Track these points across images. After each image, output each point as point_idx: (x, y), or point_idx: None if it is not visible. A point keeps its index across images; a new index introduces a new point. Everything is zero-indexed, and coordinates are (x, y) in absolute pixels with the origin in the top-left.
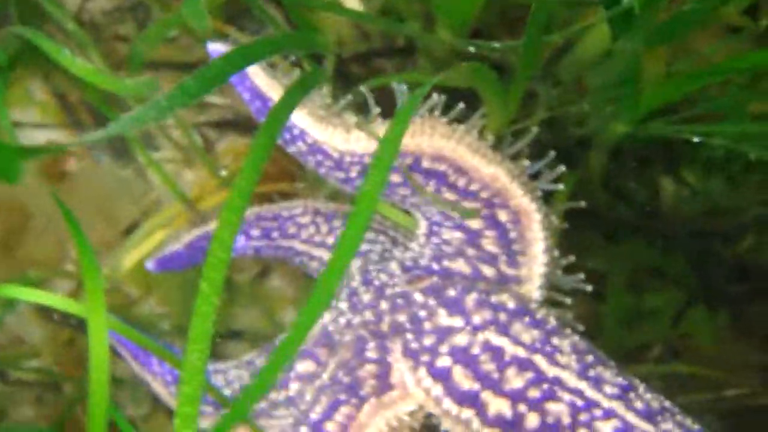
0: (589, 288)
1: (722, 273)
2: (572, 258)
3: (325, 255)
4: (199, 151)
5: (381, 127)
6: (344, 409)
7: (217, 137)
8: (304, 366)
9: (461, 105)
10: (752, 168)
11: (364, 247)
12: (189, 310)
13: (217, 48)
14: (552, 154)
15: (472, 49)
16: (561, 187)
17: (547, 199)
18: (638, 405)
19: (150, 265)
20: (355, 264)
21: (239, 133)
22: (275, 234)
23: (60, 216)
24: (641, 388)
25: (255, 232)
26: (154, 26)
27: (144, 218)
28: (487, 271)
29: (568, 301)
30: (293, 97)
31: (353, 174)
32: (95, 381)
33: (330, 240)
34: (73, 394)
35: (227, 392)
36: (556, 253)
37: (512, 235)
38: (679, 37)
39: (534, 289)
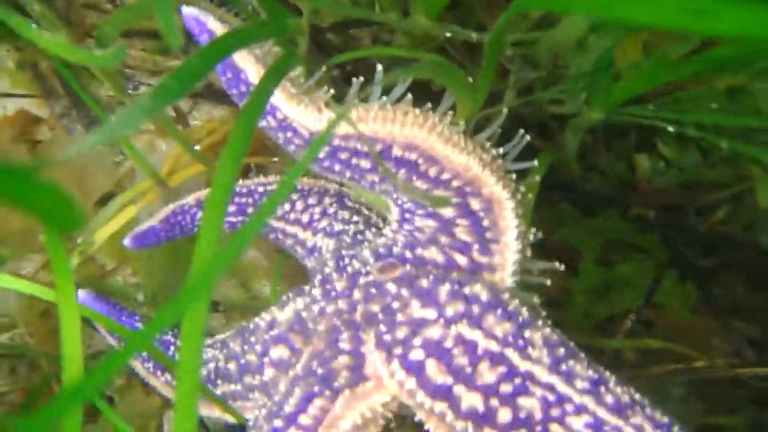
0: (561, 267)
1: (694, 246)
2: (540, 235)
3: (300, 232)
4: (171, 127)
5: (355, 109)
6: (318, 402)
7: (190, 108)
8: (278, 352)
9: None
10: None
11: (338, 227)
12: (163, 280)
13: (191, 13)
14: (525, 137)
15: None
16: (535, 163)
17: (523, 173)
18: (609, 399)
19: (127, 242)
20: (328, 245)
21: (214, 103)
22: (250, 210)
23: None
24: (611, 381)
25: (230, 208)
26: (122, 13)
27: (118, 189)
28: (460, 259)
29: (547, 282)
30: (270, 81)
31: (322, 154)
32: (69, 358)
33: (305, 218)
34: (48, 366)
35: (201, 372)
36: (531, 235)
37: (485, 223)
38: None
39: (507, 277)
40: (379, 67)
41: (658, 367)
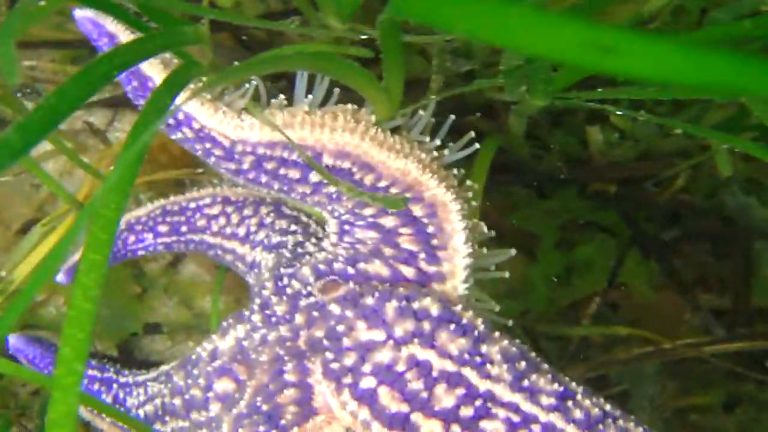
0: (513, 252)
1: (655, 220)
2: (492, 233)
3: (238, 247)
4: (75, 158)
5: (280, 114)
6: None
7: (110, 119)
8: (222, 385)
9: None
10: (680, 108)
11: (275, 239)
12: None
13: (84, 15)
14: (450, 117)
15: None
16: (477, 146)
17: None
18: (577, 414)
19: (60, 278)
20: (267, 262)
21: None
22: (183, 228)
23: None
24: (579, 394)
25: (162, 228)
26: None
27: (38, 215)
28: (407, 271)
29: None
30: (168, 93)
31: (246, 165)
32: None
33: (241, 231)
34: None
35: (149, 408)
36: (483, 229)
37: (430, 229)
38: (597, 8)
39: (459, 284)
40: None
41: (627, 350)
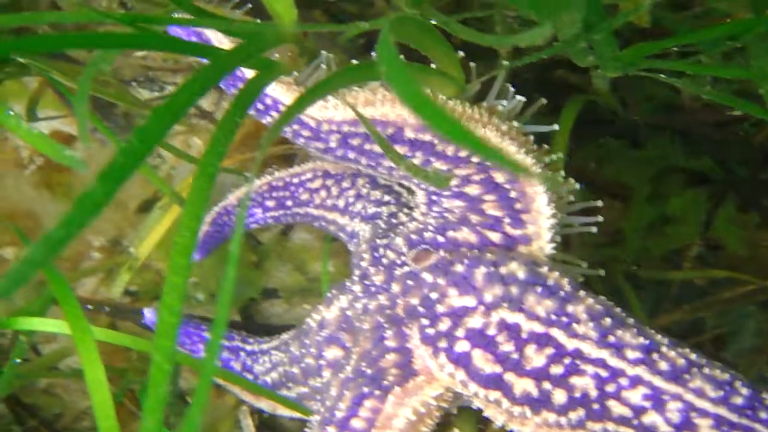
0: (599, 203)
1: (750, 162)
2: (577, 186)
3: (339, 218)
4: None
5: (362, 92)
6: (368, 403)
7: (217, 99)
8: (332, 352)
9: None
10: None
11: (371, 209)
12: (219, 278)
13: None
14: (542, 100)
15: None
16: (556, 127)
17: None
18: (663, 366)
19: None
20: (365, 232)
21: None
22: (289, 203)
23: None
24: (664, 345)
25: (270, 203)
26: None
27: (157, 194)
28: (493, 236)
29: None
30: (257, 84)
31: (333, 144)
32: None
33: (341, 202)
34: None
35: (274, 375)
36: (571, 182)
37: (512, 194)
38: None
39: (544, 245)
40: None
41: (729, 291)
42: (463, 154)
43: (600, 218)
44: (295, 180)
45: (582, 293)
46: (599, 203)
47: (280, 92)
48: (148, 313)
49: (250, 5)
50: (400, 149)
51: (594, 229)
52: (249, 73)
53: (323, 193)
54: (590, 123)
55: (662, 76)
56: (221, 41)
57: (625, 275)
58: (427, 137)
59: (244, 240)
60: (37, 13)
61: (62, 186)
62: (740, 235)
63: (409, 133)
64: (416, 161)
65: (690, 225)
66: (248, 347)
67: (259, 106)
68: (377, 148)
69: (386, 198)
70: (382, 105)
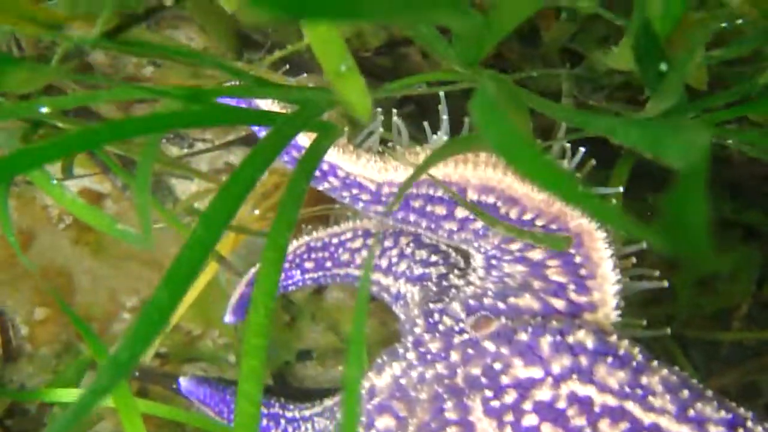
0: (665, 283)
1: None
2: (643, 245)
3: (382, 278)
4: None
5: (423, 153)
6: None
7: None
8: (384, 422)
9: None
10: None
11: (418, 270)
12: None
13: None
14: (592, 162)
15: None
16: (620, 189)
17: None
18: None
19: (228, 318)
20: (413, 295)
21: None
22: (328, 264)
23: (103, 268)
24: (749, 419)
25: (308, 265)
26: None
27: None
28: (557, 303)
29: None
30: (317, 152)
31: (394, 206)
32: None
33: (383, 262)
34: None
35: None
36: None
37: (577, 259)
38: None
39: (611, 312)
40: (442, 96)
41: None
42: (527, 217)
43: (665, 283)
44: (335, 240)
45: (655, 363)
46: (656, 273)
47: (337, 157)
48: (184, 382)
49: (287, 66)
50: (462, 211)
51: (665, 283)
52: (301, 140)
53: (365, 253)
54: (638, 178)
55: (729, 142)
56: (270, 108)
57: (672, 336)
58: (490, 199)
59: (277, 300)
60: (92, 93)
61: (91, 244)
62: None
63: (472, 195)
64: (478, 225)
65: (742, 282)
66: (288, 414)
67: (316, 173)
68: (438, 210)
69: (433, 258)
70: (444, 165)
